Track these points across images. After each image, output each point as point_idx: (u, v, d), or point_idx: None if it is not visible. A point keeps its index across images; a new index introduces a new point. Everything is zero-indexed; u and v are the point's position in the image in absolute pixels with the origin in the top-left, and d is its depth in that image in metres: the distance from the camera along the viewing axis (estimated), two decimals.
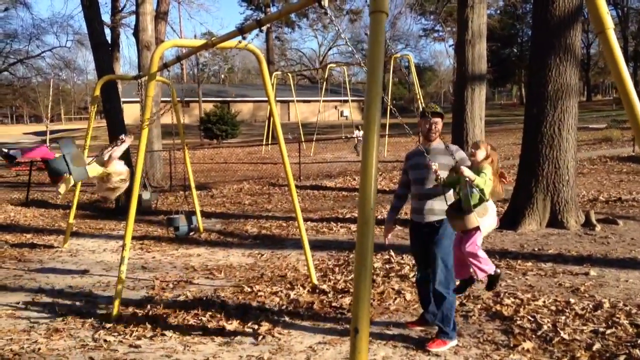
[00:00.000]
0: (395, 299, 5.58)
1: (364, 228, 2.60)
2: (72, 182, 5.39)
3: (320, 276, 6.57)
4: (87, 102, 74.49)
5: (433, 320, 4.54)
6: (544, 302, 5.19)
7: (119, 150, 5.75)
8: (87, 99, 71.89)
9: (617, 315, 4.74)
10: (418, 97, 24.92)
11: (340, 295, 5.76)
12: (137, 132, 6.06)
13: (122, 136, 5.95)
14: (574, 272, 6.15)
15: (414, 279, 6.04)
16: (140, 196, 6.09)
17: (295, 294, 5.89)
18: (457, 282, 4.33)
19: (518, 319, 4.81)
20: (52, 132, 44.29)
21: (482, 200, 3.98)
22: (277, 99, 35.59)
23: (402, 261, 6.97)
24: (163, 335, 4.90)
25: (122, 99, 15.29)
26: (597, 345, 4.17)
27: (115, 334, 5.00)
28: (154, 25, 18.10)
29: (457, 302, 5.00)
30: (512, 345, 4.29)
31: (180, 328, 5.05)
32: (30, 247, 9.23)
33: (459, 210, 4.07)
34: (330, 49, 75.03)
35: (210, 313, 5.40)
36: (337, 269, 6.89)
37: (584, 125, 27.03)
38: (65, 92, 74.42)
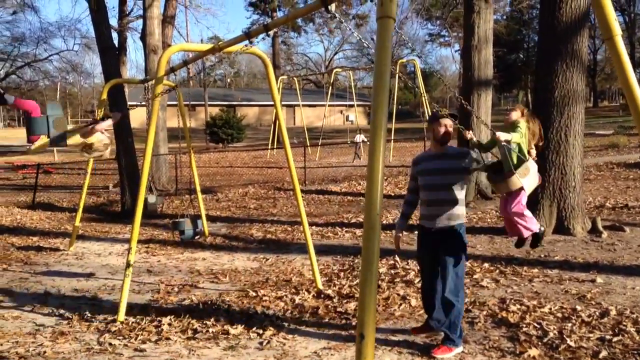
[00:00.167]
0: (401, 304, 5.56)
1: (370, 233, 2.59)
2: (48, 145, 5.39)
3: (325, 281, 6.56)
4: (93, 106, 74.80)
5: (437, 326, 4.52)
6: (550, 309, 5.16)
7: (102, 124, 5.77)
8: (94, 102, 72.16)
9: (624, 323, 4.71)
10: (424, 101, 24.89)
11: (345, 301, 5.74)
12: (125, 112, 6.15)
13: (110, 113, 6.02)
14: (580, 279, 6.12)
15: (419, 285, 6.03)
16: (146, 200, 6.10)
17: (300, 299, 5.89)
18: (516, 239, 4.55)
19: (524, 325, 4.79)
20: None
21: (521, 160, 4.09)
22: (283, 103, 35.62)
23: (408, 267, 6.95)
24: (168, 339, 4.90)
25: (129, 103, 15.33)
26: (603, 353, 4.15)
27: (121, 337, 5.00)
28: (161, 29, 18.18)
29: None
30: (518, 352, 4.27)
31: (185, 332, 5.05)
32: (37, 250, 9.25)
33: (501, 173, 4.18)
34: (336, 53, 75.21)
35: (215, 317, 5.40)
36: (342, 274, 6.88)
37: (590, 131, 26.96)
38: (72, 95, 74.72)
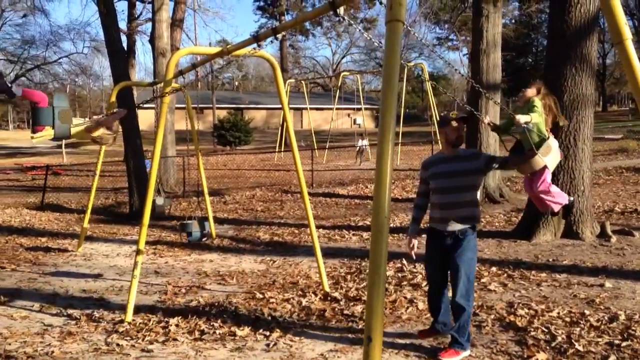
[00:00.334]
0: (408, 307, 5.55)
1: (377, 236, 2.59)
2: (51, 136, 5.35)
3: (332, 284, 6.56)
4: (102, 108, 75.08)
5: (444, 329, 4.51)
6: (559, 313, 5.14)
7: (107, 119, 5.75)
8: (102, 105, 72.49)
9: (633, 328, 4.68)
10: (431, 105, 24.86)
11: (352, 303, 5.74)
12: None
13: (115, 109, 5.99)
14: (589, 284, 6.09)
15: (426, 288, 6.02)
16: (154, 202, 6.12)
17: (307, 301, 5.89)
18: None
19: (532, 329, 4.77)
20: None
21: (542, 139, 4.13)
22: (291, 106, 35.66)
23: (415, 270, 6.94)
24: (175, 340, 4.91)
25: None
26: (612, 358, 4.12)
27: (128, 338, 5.02)
28: (170, 32, 18.28)
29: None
30: (525, 356, 4.25)
31: (192, 333, 5.06)
32: (45, 250, 9.30)
33: (522, 153, 4.21)
34: (343, 57, 75.32)
35: (222, 319, 5.41)
36: (349, 277, 6.87)
37: (599, 135, 26.82)
38: (82, 97, 75.13)
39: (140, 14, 31.67)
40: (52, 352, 4.72)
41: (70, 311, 5.88)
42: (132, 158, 12.98)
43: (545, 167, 4.16)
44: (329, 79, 66.84)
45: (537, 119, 4.13)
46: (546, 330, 4.73)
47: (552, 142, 4.20)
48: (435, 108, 25.29)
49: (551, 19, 8.81)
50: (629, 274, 6.40)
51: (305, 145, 31.84)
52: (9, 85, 5.08)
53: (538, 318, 5.03)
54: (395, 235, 9.17)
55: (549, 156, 4.15)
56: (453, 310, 4.36)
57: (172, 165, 18.18)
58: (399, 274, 6.82)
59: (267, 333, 4.98)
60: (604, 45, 53.40)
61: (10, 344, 4.92)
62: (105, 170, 21.41)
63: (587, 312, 5.13)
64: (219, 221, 11.37)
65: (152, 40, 18.06)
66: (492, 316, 5.17)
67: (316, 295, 6.12)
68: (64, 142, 38.90)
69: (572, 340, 4.47)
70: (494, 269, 6.84)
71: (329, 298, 5.99)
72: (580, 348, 4.32)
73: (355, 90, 40.62)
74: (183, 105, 9.86)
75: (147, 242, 7.46)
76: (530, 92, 4.38)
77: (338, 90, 31.12)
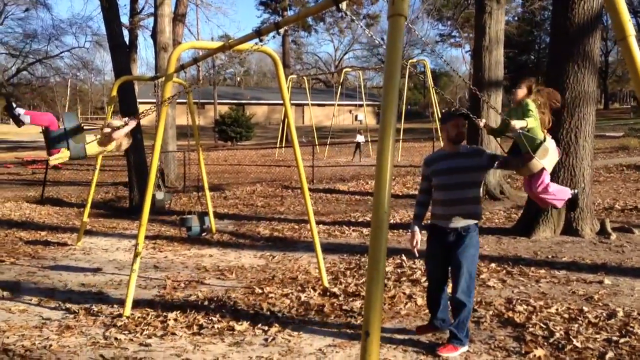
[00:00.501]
0: (407, 303, 5.55)
1: (377, 232, 2.59)
2: (67, 157, 5.32)
3: (331, 279, 6.56)
4: (103, 102, 75.10)
5: (442, 325, 4.50)
6: (557, 309, 5.14)
7: (119, 131, 5.71)
8: (104, 99, 72.53)
9: (631, 325, 4.68)
10: (433, 102, 24.83)
11: (351, 299, 5.74)
12: (141, 117, 6.07)
13: (126, 119, 5.92)
14: (587, 280, 6.09)
15: (425, 284, 6.01)
16: (154, 196, 6.12)
17: (306, 297, 5.89)
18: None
19: (530, 326, 4.76)
20: None
21: (539, 142, 4.10)
22: (292, 102, 35.64)
23: (414, 266, 6.94)
24: (173, 334, 4.92)
25: (139, 100, 15.38)
26: (610, 354, 4.12)
27: (126, 332, 5.02)
28: (172, 27, 18.24)
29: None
30: (523, 352, 4.25)
31: (191, 328, 5.07)
32: (44, 244, 9.31)
33: (520, 157, 4.18)
34: (346, 53, 75.18)
35: (220, 313, 5.42)
36: (348, 272, 6.87)
37: (600, 133, 26.81)
38: (83, 92, 75.15)
39: (143, 8, 31.69)
40: (50, 345, 4.73)
41: (68, 305, 5.88)
42: (132, 153, 12.96)
43: (543, 169, 4.13)
44: (331, 75, 66.80)
45: (532, 123, 4.06)
46: (544, 327, 4.73)
47: (549, 144, 4.15)
48: (437, 105, 25.25)
49: (554, 16, 8.78)
50: (628, 271, 6.39)
51: (306, 141, 31.84)
52: (17, 113, 5.04)
53: (536, 314, 5.03)
54: (395, 231, 9.17)
55: (547, 158, 4.11)
56: (453, 306, 4.36)
57: (172, 160, 18.17)
58: (399, 270, 6.82)
59: (266, 328, 4.98)
60: (607, 43, 53.28)
61: (8, 338, 4.93)
62: (105, 164, 21.43)
63: (585, 308, 5.13)
64: (219, 216, 11.37)
65: (154, 35, 18.03)
66: (491, 312, 5.17)
67: (315, 290, 6.12)
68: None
69: (570, 337, 4.46)
70: (493, 265, 6.84)
71: (328, 293, 6.00)
72: (579, 344, 4.31)
73: (357, 86, 40.62)
74: (184, 101, 9.85)
75: (146, 237, 7.46)
76: (521, 92, 4.33)
77: (340, 87, 31.08)
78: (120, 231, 10.63)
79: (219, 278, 6.96)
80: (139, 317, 5.38)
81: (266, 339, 4.74)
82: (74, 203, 14.69)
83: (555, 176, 8.13)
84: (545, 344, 4.39)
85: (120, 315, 5.43)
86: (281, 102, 6.63)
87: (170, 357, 4.45)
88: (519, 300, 5.43)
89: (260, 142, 42.14)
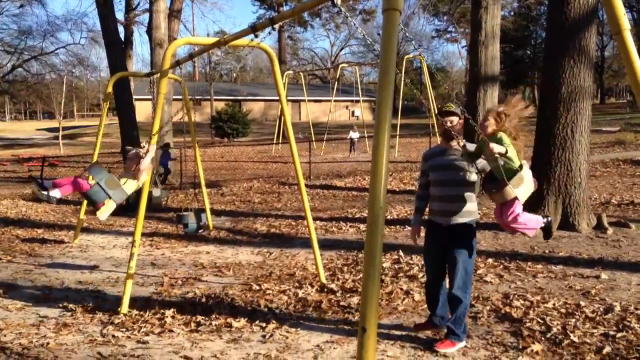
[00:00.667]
0: (404, 299, 5.55)
1: (372, 227, 2.58)
2: (114, 205, 5.42)
3: (328, 275, 6.56)
4: (99, 99, 74.88)
5: (441, 323, 4.49)
6: (554, 304, 5.15)
7: (144, 162, 5.79)
8: (99, 96, 72.34)
9: (628, 319, 4.69)
10: (430, 98, 24.82)
11: (349, 295, 5.74)
12: (159, 142, 6.11)
13: (144, 144, 5.99)
14: (584, 275, 6.10)
15: (422, 280, 6.02)
16: (150, 193, 6.10)
17: (303, 293, 5.89)
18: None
19: (527, 321, 4.77)
20: (64, 128, 44.58)
21: (515, 170, 3.95)
22: (289, 98, 35.59)
23: (411, 261, 6.94)
24: (171, 331, 4.91)
25: (134, 96, 15.36)
26: (607, 349, 4.13)
27: (124, 329, 5.01)
28: (167, 23, 18.19)
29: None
30: (521, 347, 4.26)
31: (188, 325, 5.06)
32: (41, 242, 9.29)
33: (495, 183, 4.03)
34: (342, 48, 75.09)
35: (218, 310, 5.41)
36: (345, 269, 6.87)
37: (597, 128, 26.82)
38: (79, 88, 74.86)
39: (138, 4, 31.57)
40: (48, 343, 4.71)
41: (65, 303, 5.87)
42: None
43: (515, 198, 3.95)
44: (327, 70, 66.77)
45: (511, 152, 3.91)
46: (541, 322, 4.73)
47: (525, 173, 3.98)
48: (434, 100, 25.25)
49: (550, 11, 8.78)
50: (624, 266, 6.41)
51: (303, 137, 31.82)
52: (47, 195, 5.12)
53: (534, 309, 5.04)
54: (392, 227, 9.17)
55: (521, 187, 3.94)
56: (450, 302, 4.36)
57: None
58: (396, 266, 6.82)
59: (264, 324, 4.97)
60: (603, 38, 53.34)
61: (5, 336, 4.91)
62: (102, 161, 21.34)
63: (582, 303, 5.14)
64: (215, 213, 11.36)
65: (150, 30, 17.99)
66: (488, 307, 5.18)
67: (313, 286, 6.12)
68: (60, 133, 38.82)
69: (568, 331, 4.47)
70: (490, 260, 6.85)
71: (325, 290, 5.99)
72: (576, 339, 4.32)
73: (354, 82, 40.57)
74: (180, 97, 9.82)
75: (143, 234, 7.46)
76: (490, 125, 4.07)
77: (336, 82, 31.09)
78: (117, 228, 10.61)
79: (216, 275, 6.95)
80: (136, 315, 5.37)
81: (264, 336, 4.74)
82: (70, 200, 14.65)
83: (551, 171, 8.14)
84: (543, 338, 4.40)
85: (117, 313, 5.42)
86: (278, 98, 6.60)
87: (167, 354, 4.45)
88: (516, 296, 5.44)
89: (256, 138, 42.12)
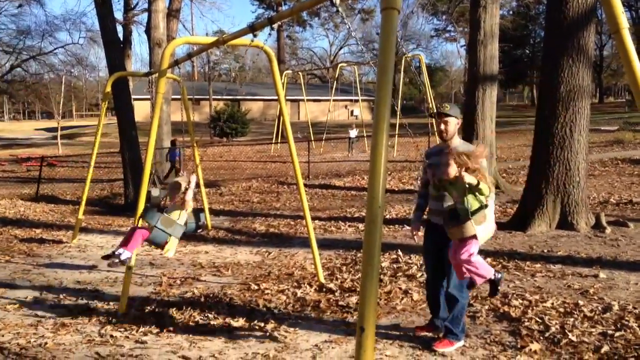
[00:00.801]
0: (402, 298, 5.55)
1: (371, 226, 2.57)
2: (177, 240, 5.53)
3: (327, 275, 6.55)
4: (98, 99, 74.87)
5: (442, 325, 4.48)
6: (552, 303, 5.15)
7: (190, 192, 5.86)
8: (98, 96, 72.28)
9: (626, 318, 4.69)
10: (428, 97, 24.82)
11: (347, 294, 5.74)
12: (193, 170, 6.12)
13: (184, 174, 6.10)
14: (583, 274, 6.10)
15: (421, 279, 6.02)
16: (149, 193, 6.11)
17: (302, 293, 5.88)
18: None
19: (526, 320, 4.77)
20: (63, 128, 44.54)
21: (481, 207, 3.83)
22: (288, 97, 35.60)
23: (410, 261, 6.94)
24: (169, 331, 4.90)
25: (133, 96, 15.34)
26: (605, 348, 4.13)
27: (122, 329, 5.01)
28: (166, 23, 18.14)
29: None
30: (519, 346, 4.26)
31: (187, 325, 5.06)
32: (39, 242, 9.28)
33: (456, 217, 3.88)
34: (341, 48, 75.11)
35: (216, 310, 5.41)
36: (344, 268, 6.87)
37: (595, 127, 26.83)
38: (77, 88, 74.82)
39: (137, 4, 31.55)
40: (46, 343, 4.71)
41: (64, 303, 5.87)
42: (127, 149, 12.93)
43: (474, 236, 3.79)
44: (326, 70, 66.75)
45: (482, 187, 3.76)
46: (540, 321, 4.73)
47: (489, 213, 3.87)
48: (433, 100, 25.24)
49: (548, 10, 8.78)
50: (623, 265, 6.41)
51: (302, 137, 31.82)
52: (118, 260, 5.22)
53: (532, 308, 5.04)
54: (391, 226, 9.17)
55: (482, 226, 3.80)
56: (447, 301, 4.36)
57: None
58: (395, 265, 6.82)
59: (262, 324, 4.97)
60: (601, 37, 53.40)
61: (3, 336, 4.91)
62: (100, 161, 21.37)
63: (581, 302, 5.14)
64: (214, 212, 11.35)
65: (148, 30, 17.92)
66: (486, 307, 5.18)
67: (311, 286, 6.12)
68: (59, 132, 38.78)
69: (566, 331, 4.48)
70: (488, 259, 6.83)
71: (324, 289, 5.99)
72: (574, 338, 4.32)
73: (353, 81, 40.55)
74: (179, 97, 9.81)
75: None
76: (452, 170, 3.84)
77: (335, 82, 31.06)
78: (116, 228, 10.60)
79: (214, 275, 6.95)
80: (134, 315, 5.37)
81: (262, 335, 4.73)
82: (69, 200, 14.65)
83: (550, 170, 8.14)
84: (541, 338, 4.40)
85: (115, 313, 5.42)
86: (276, 97, 6.60)
87: (166, 354, 4.44)
88: (514, 295, 5.44)
89: (255, 137, 42.10)
